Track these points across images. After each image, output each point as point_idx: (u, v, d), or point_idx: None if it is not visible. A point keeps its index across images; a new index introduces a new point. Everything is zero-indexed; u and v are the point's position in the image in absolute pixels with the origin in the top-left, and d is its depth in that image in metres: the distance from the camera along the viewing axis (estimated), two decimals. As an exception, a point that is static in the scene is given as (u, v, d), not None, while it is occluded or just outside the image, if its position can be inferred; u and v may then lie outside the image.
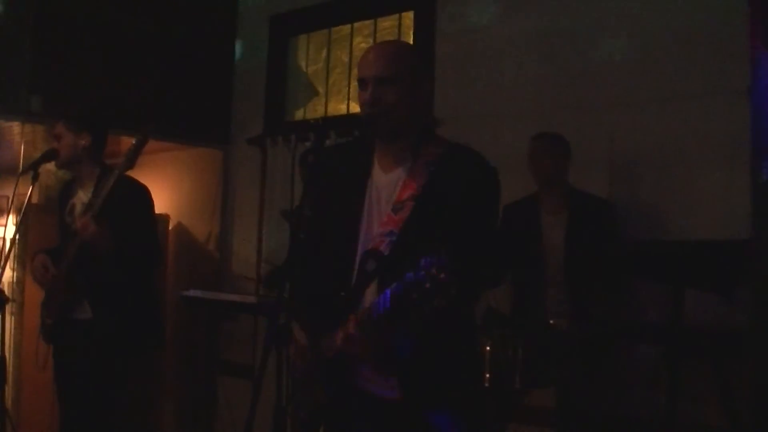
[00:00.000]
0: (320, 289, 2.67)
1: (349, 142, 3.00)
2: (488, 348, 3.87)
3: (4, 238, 5.92)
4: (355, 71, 5.89)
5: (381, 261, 2.50)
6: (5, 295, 4.48)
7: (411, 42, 5.49)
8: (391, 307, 2.25)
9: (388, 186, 2.62)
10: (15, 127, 5.64)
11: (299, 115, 6.48)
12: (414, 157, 2.61)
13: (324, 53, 6.34)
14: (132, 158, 4.03)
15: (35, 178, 4.30)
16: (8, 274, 6.01)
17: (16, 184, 4.51)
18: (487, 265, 2.58)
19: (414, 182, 2.56)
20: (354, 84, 6.02)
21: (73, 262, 4.15)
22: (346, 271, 2.58)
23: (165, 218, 6.63)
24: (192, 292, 5.76)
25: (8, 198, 5.73)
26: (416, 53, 2.98)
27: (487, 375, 3.88)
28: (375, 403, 2.54)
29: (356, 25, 6.12)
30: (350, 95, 6.10)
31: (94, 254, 4.07)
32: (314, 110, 6.36)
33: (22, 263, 5.93)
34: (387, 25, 5.91)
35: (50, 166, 4.67)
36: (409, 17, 5.74)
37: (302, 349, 2.61)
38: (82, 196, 4.35)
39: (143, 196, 4.36)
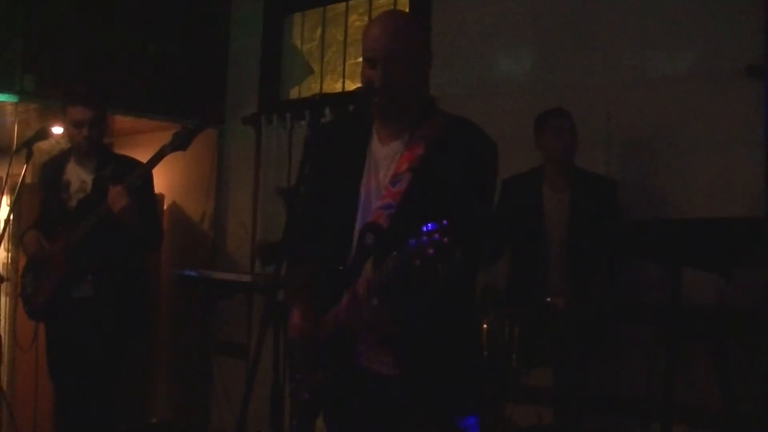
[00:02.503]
0: (318, 263, 2.64)
1: (346, 116, 2.94)
2: (485, 326, 3.86)
3: (-2, 218, 5.90)
4: (350, 49, 5.95)
5: (380, 235, 2.47)
6: (0, 275, 4.47)
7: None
8: (394, 275, 2.22)
9: (387, 158, 2.59)
10: (8, 106, 5.60)
11: (294, 93, 6.44)
12: (413, 129, 2.58)
13: (319, 31, 6.30)
14: (182, 142, 4.01)
15: (29, 157, 4.27)
16: (2, 254, 6.00)
17: (10, 164, 4.48)
18: (485, 238, 2.55)
19: (412, 154, 2.53)
20: (349, 62, 6.04)
21: (82, 239, 4.12)
22: (345, 245, 2.55)
23: (160, 198, 6.59)
24: (186, 272, 5.74)
25: (2, 178, 5.70)
26: (420, 25, 2.93)
27: (484, 354, 3.86)
28: (374, 380, 2.51)
29: (351, 2, 6.07)
30: (345, 73, 6.06)
31: (115, 229, 4.04)
32: (309, 89, 6.32)
33: (16, 243, 5.90)
34: (382, 2, 5.87)
35: (43, 144, 4.63)
36: (405, -6, 5.70)
37: (301, 328, 2.59)
38: (79, 173, 4.32)
39: (148, 177, 4.34)
